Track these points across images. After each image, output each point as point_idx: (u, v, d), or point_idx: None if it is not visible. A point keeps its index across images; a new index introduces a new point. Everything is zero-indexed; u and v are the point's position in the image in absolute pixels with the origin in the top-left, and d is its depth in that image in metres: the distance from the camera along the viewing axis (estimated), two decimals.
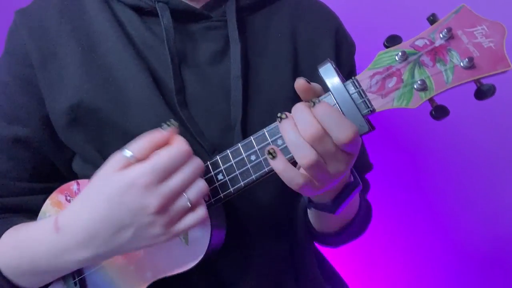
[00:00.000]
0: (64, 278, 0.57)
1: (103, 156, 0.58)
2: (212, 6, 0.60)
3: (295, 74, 0.62)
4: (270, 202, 0.60)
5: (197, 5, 0.60)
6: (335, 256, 0.81)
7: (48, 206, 0.60)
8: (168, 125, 0.47)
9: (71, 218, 0.47)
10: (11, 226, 0.56)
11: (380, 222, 1.17)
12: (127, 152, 0.45)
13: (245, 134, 0.58)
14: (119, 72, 0.56)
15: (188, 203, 0.45)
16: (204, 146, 0.56)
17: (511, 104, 0.94)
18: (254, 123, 0.59)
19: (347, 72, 0.67)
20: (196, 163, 0.46)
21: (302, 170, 0.45)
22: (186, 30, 0.59)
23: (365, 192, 0.76)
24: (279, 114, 0.45)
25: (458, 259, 1.16)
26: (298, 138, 0.43)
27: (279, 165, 0.44)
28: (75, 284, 0.57)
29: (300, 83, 0.45)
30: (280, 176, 0.45)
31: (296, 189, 0.45)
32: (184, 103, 0.57)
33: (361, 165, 0.69)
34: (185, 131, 0.56)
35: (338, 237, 0.67)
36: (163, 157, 0.44)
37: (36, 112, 0.59)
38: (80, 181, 0.59)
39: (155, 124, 0.54)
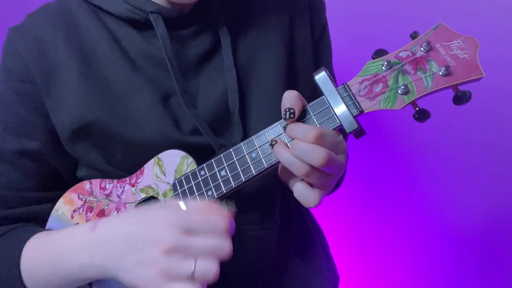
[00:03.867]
0: None
1: (109, 162, 0.62)
2: (200, 7, 0.63)
3: (285, 50, 0.65)
4: (263, 184, 0.63)
5: (186, 8, 0.62)
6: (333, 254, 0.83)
7: (60, 204, 0.65)
8: (227, 205, 0.51)
9: (110, 223, 0.50)
10: (32, 235, 0.58)
11: (378, 221, 1.19)
12: (183, 205, 0.48)
13: (244, 121, 0.62)
14: (116, 84, 0.59)
15: (192, 271, 0.44)
16: (212, 143, 0.60)
17: (505, 101, 0.97)
18: (252, 108, 0.63)
19: (321, 26, 0.71)
20: (225, 243, 0.45)
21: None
22: (180, 35, 0.62)
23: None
24: (270, 142, 0.51)
25: (455, 256, 1.17)
26: (291, 158, 0.49)
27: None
28: None
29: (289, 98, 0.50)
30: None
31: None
32: (190, 102, 0.60)
33: None
34: (195, 129, 0.60)
35: None
36: (202, 217, 0.46)
37: (43, 126, 0.62)
38: (93, 180, 0.64)
39: (156, 131, 0.59)
